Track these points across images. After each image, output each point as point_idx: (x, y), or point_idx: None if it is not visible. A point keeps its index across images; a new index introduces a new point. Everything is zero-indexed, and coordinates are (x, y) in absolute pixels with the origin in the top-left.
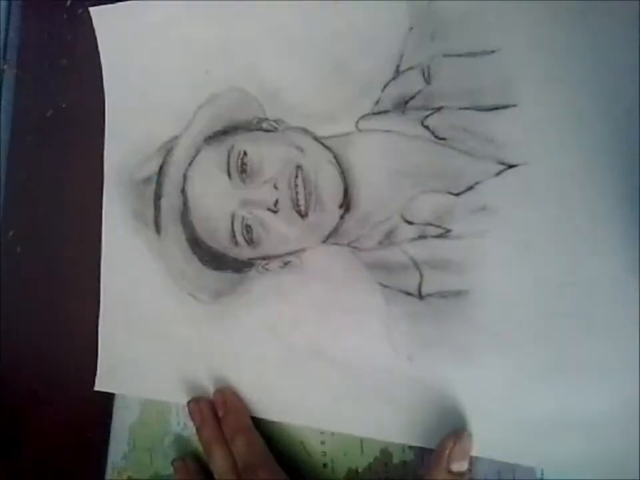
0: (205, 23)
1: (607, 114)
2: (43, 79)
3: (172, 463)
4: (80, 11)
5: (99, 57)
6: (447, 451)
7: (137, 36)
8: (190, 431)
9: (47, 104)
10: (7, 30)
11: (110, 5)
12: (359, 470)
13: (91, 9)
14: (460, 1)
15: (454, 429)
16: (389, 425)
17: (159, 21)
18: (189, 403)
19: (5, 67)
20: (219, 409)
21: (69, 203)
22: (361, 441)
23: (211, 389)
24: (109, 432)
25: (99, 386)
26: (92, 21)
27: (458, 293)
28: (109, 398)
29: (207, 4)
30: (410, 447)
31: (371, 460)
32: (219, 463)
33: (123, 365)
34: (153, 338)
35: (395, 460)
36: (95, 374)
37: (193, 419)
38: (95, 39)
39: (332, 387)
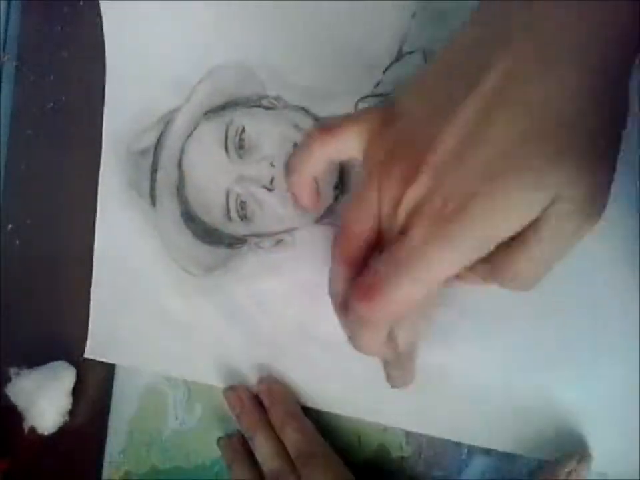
0: None
1: None
2: (43, 72)
3: (217, 442)
4: (81, 2)
5: (99, 49)
6: (567, 470)
7: (139, 6)
8: (188, 425)
9: (47, 97)
10: (6, 22)
11: None
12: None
13: None
14: None
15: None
16: (376, 406)
17: None
18: (225, 391)
19: (5, 58)
20: (264, 398)
21: (68, 197)
22: (359, 436)
23: (200, 362)
24: (106, 426)
25: (90, 354)
26: (93, 13)
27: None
28: (107, 392)
29: None
30: (407, 443)
31: (369, 455)
32: (263, 447)
33: (114, 334)
34: (144, 308)
35: (392, 456)
36: None
37: (231, 407)
38: (96, 30)
39: (321, 366)
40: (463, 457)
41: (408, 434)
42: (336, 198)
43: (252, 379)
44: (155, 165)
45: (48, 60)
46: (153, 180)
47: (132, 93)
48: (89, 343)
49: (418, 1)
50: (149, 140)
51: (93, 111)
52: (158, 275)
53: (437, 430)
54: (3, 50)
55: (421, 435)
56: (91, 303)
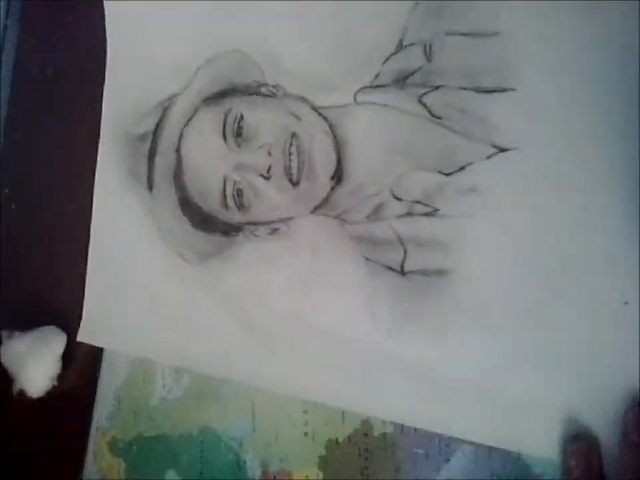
0: None
1: (602, 104)
2: (45, 37)
3: None
4: None
5: (103, 15)
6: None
7: None
8: (175, 394)
9: (48, 62)
10: None
11: None
12: (339, 440)
13: None
14: None
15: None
16: (365, 398)
17: None
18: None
19: (8, 22)
20: None
21: (64, 161)
22: (343, 411)
23: (193, 350)
24: (95, 392)
25: (82, 337)
26: None
27: (440, 272)
28: (97, 359)
29: None
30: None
31: (351, 431)
32: None
33: (107, 318)
34: (138, 295)
35: (375, 432)
36: None
37: None
38: None
39: (312, 355)
40: (444, 435)
41: None
42: (332, 188)
43: (244, 367)
44: (153, 149)
45: (51, 25)
46: (150, 165)
47: (132, 78)
48: (82, 325)
49: None
50: (148, 125)
51: (93, 78)
52: (153, 261)
53: (424, 422)
54: (6, 14)
55: None
56: (86, 287)
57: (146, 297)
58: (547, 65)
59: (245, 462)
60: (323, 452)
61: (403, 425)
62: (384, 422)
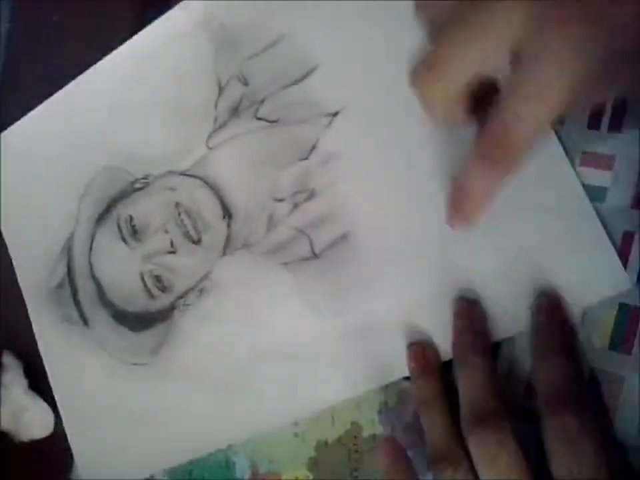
0: (63, 119)
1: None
2: None
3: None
4: None
5: None
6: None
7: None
8: None
9: None
10: None
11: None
12: (329, 441)
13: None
14: (244, 12)
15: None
16: (341, 382)
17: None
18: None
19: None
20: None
21: None
22: (332, 413)
23: (183, 444)
24: None
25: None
26: None
27: (342, 237)
28: None
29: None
30: (380, 422)
31: (342, 432)
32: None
33: (97, 453)
34: (119, 422)
35: (365, 433)
36: None
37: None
38: None
39: (288, 379)
40: None
41: (381, 412)
42: (228, 225)
43: (229, 436)
44: (74, 290)
45: None
46: (77, 304)
47: (30, 236)
48: (77, 467)
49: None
50: (61, 273)
51: None
52: (116, 384)
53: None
54: None
55: (393, 413)
56: (69, 439)
57: (127, 421)
58: (332, 37)
59: (234, 463)
60: (313, 453)
61: (392, 426)
62: (373, 423)
